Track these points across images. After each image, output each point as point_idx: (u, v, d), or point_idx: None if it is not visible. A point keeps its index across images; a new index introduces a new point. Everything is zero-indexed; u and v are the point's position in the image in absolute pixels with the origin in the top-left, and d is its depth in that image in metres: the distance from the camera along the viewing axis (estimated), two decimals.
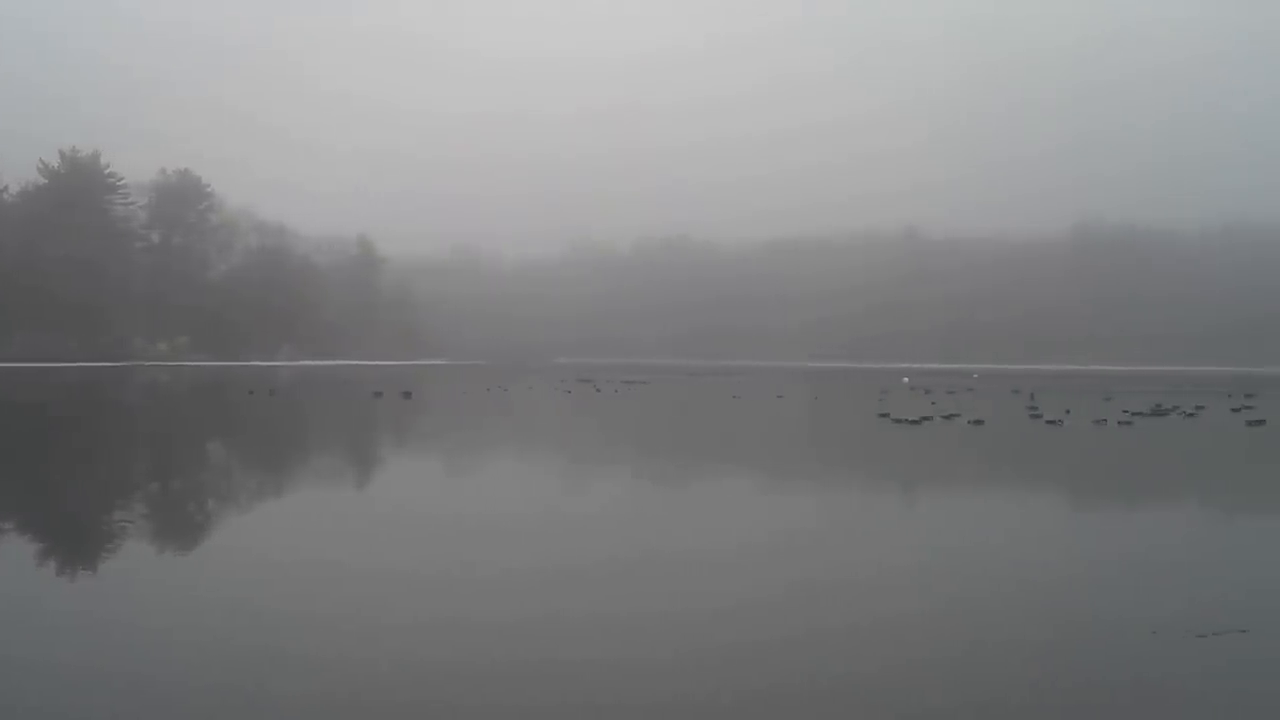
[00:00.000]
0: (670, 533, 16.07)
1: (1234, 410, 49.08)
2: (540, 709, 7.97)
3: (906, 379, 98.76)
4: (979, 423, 39.18)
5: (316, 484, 22.90)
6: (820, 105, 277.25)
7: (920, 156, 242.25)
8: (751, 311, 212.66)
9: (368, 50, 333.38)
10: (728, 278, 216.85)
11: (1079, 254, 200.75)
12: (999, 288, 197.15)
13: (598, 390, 69.92)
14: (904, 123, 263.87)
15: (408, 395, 56.58)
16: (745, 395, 64.11)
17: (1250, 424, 40.36)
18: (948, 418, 41.33)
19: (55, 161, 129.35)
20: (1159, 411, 47.11)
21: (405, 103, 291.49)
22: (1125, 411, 45.97)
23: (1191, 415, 45.45)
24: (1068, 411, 45.63)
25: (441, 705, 8.09)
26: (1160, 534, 16.99)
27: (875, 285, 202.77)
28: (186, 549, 14.85)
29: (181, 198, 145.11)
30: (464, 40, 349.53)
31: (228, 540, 15.54)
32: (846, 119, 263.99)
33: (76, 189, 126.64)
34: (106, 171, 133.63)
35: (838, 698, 8.27)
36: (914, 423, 38.80)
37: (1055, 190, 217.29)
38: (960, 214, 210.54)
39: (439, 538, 15.34)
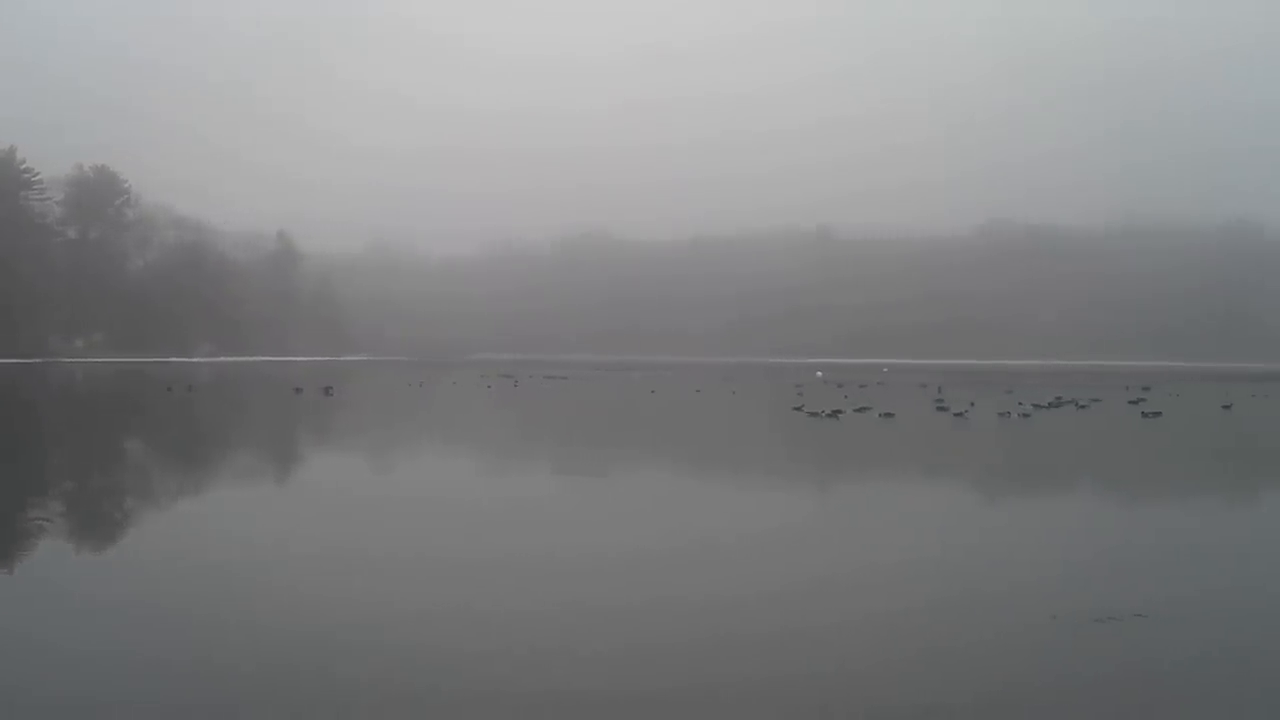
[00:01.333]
0: (584, 525, 16.45)
1: (1130, 403, 51.16)
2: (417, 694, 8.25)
3: (820, 373, 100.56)
4: (889, 415, 40.35)
5: (234, 481, 22.83)
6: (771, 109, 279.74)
7: (841, 151, 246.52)
8: (671, 309, 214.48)
9: (279, 41, 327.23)
10: (648, 275, 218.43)
11: (985, 252, 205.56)
12: (908, 285, 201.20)
13: (515, 385, 70.29)
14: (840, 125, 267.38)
15: (328, 391, 56.36)
16: (663, 390, 64.93)
17: (1145, 416, 42.13)
18: (859, 411, 42.42)
19: None
20: (1058, 404, 49.04)
21: (324, 91, 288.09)
22: (1020, 403, 47.87)
23: (1084, 408, 47.30)
24: (972, 404, 47.20)
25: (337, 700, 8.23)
26: (1059, 522, 17.64)
27: (791, 282, 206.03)
28: (89, 549, 14.60)
29: (98, 194, 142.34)
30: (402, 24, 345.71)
31: (136, 540, 15.27)
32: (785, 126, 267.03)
33: None
34: (22, 167, 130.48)
35: (737, 697, 8.33)
36: (826, 416, 39.82)
37: (962, 189, 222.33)
38: (871, 213, 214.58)
39: (357, 532, 15.51)
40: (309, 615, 10.35)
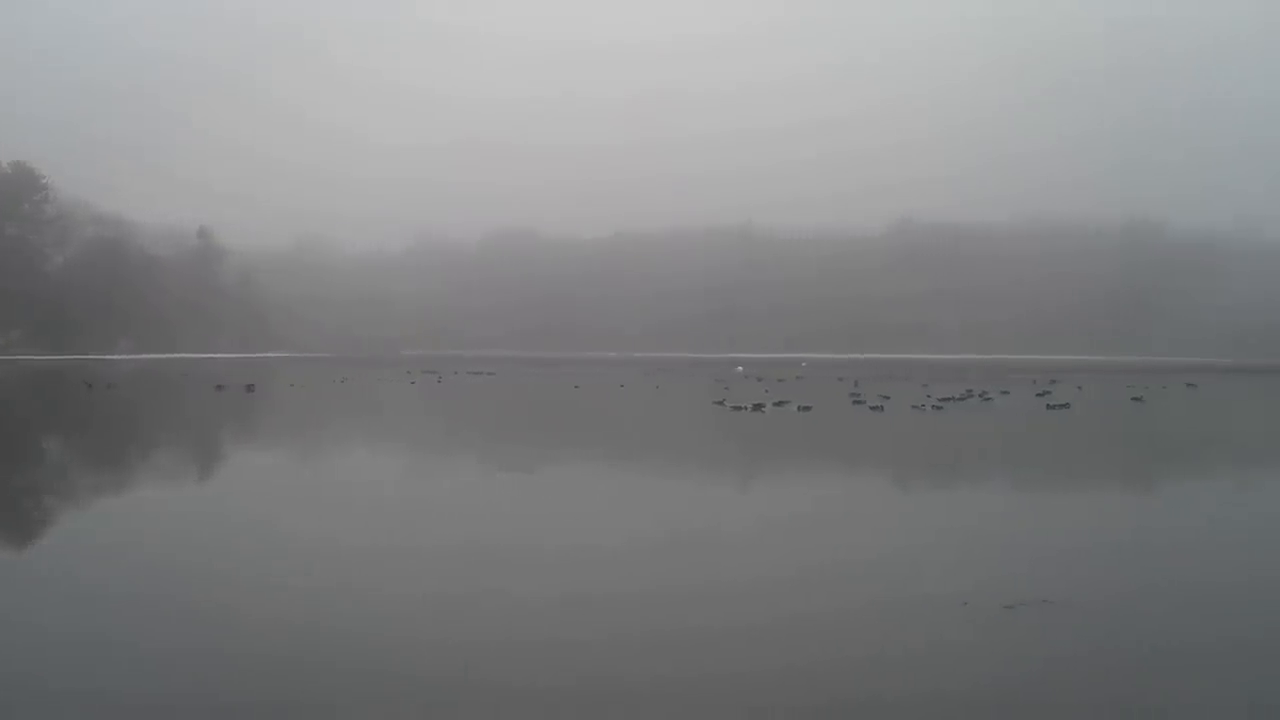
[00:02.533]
0: (502, 516, 16.81)
1: (1037, 395, 53.05)
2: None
3: (741, 368, 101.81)
4: (807, 409, 41.26)
5: (153, 480, 22.71)
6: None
7: (765, 152, 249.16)
8: (597, 305, 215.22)
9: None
10: (574, 272, 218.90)
11: (899, 249, 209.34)
12: (826, 282, 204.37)
13: (439, 381, 70.38)
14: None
15: (250, 389, 56.04)
16: (587, 385, 65.53)
17: (1050, 408, 43.77)
18: (778, 404, 43.37)
19: None
20: (968, 397, 50.73)
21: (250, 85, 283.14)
22: (929, 396, 49.53)
23: (989, 400, 49.03)
24: (887, 397, 48.61)
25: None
26: (970, 511, 18.36)
27: (713, 280, 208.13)
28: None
29: (15, 190, 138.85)
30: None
31: (50, 541, 15.27)
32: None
33: None
34: None
35: (652, 695, 8.66)
36: (746, 409, 40.72)
37: (877, 189, 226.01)
38: (793, 210, 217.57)
39: (286, 528, 15.77)
40: (209, 617, 10.41)
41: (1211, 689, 8.48)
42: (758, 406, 41.92)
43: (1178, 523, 17.11)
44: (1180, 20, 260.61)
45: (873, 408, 42.55)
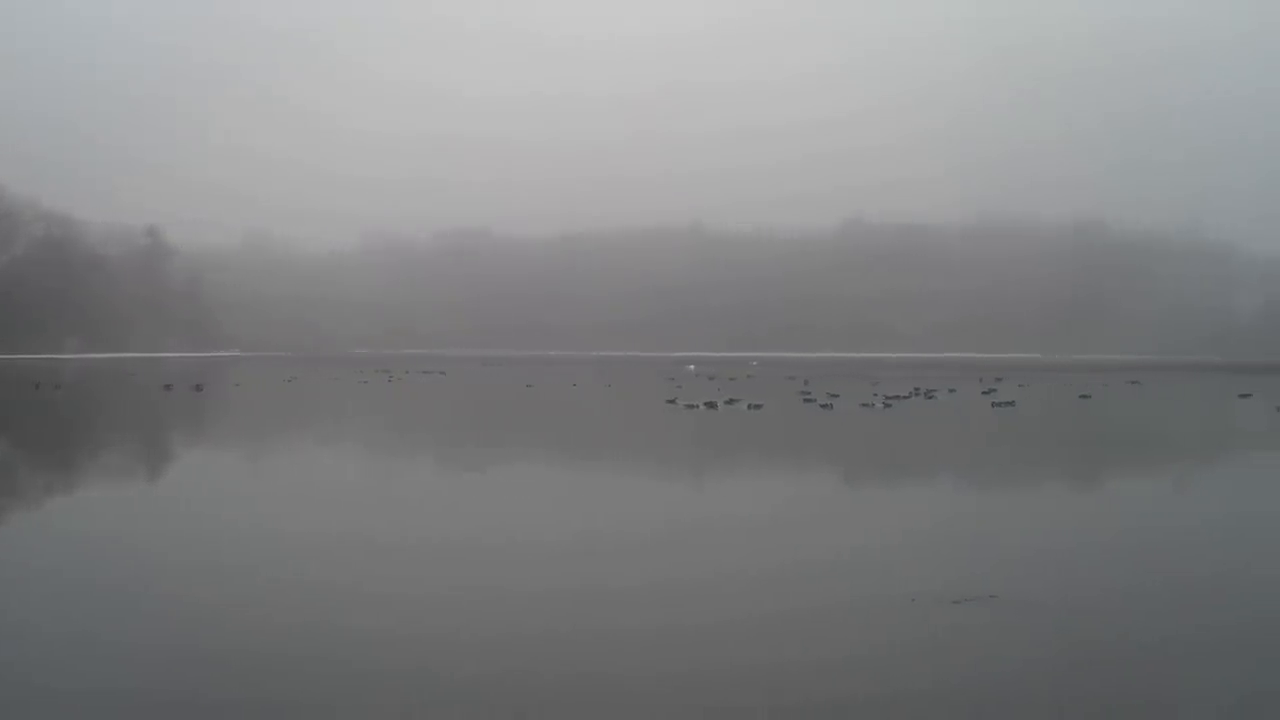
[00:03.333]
0: (445, 517, 16.85)
1: (983, 393, 53.85)
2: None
3: (692, 366, 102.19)
4: (758, 407, 41.61)
5: (103, 480, 22.53)
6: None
7: (710, 152, 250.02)
8: (549, 303, 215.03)
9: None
10: (526, 271, 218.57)
11: (849, 248, 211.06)
12: (776, 281, 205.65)
13: (390, 381, 70.04)
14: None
15: (199, 388, 55.57)
16: (539, 384, 65.50)
17: (995, 405, 44.43)
18: (729, 402, 43.63)
19: None
20: (916, 395, 51.37)
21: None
22: (875, 394, 50.14)
23: (936, 398, 49.69)
24: (836, 395, 49.08)
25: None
26: (917, 507, 18.60)
27: (664, 279, 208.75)
28: None
29: None
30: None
31: None
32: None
33: None
34: None
35: (592, 682, 8.90)
36: (698, 408, 40.99)
37: (826, 189, 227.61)
38: (745, 210, 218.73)
39: (222, 531, 15.78)
40: (154, 616, 10.42)
41: (1154, 683, 8.67)
42: (709, 405, 42.15)
43: (1120, 518, 17.37)
44: (1132, 25, 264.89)
45: (822, 406, 42.91)
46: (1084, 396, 52.57)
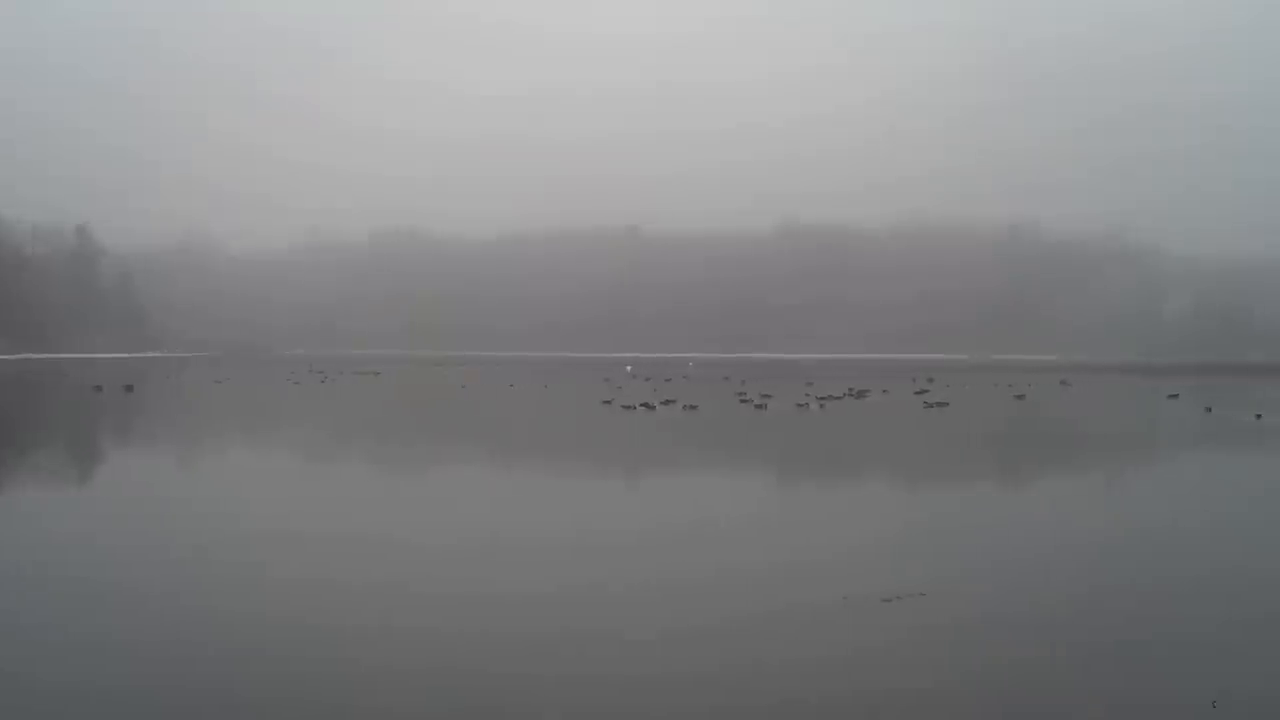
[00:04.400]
0: (371, 516, 16.80)
1: (916, 393, 54.57)
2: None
3: (629, 367, 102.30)
4: (693, 408, 41.78)
5: (30, 481, 22.10)
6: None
7: (648, 155, 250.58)
8: (486, 304, 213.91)
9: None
10: (464, 271, 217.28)
11: (785, 251, 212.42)
12: (712, 282, 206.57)
13: (322, 382, 69.19)
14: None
15: (130, 389, 54.65)
16: (476, 384, 65.14)
17: (928, 406, 44.97)
18: (666, 403, 43.75)
19: None
20: (850, 395, 51.90)
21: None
22: (807, 395, 50.54)
23: (869, 398, 50.23)
24: (769, 396, 49.41)
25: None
26: (852, 507, 18.86)
27: (601, 280, 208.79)
28: None
29: None
30: None
31: None
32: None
33: None
34: None
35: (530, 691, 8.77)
36: (634, 409, 41.04)
37: (762, 193, 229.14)
38: (681, 213, 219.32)
39: (153, 531, 15.53)
40: (69, 616, 10.40)
41: (1078, 675, 8.82)
42: (646, 406, 42.24)
43: (1049, 517, 17.67)
44: (1065, 39, 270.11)
45: (757, 406, 43.17)
46: (1019, 397, 53.45)
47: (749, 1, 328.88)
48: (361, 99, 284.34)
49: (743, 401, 46.40)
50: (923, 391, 56.21)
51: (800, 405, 43.89)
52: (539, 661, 9.05)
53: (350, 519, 16.31)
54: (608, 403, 44.73)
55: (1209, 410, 43.07)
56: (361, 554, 13.45)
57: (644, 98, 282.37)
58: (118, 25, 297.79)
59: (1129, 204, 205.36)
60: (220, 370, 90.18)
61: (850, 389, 57.07)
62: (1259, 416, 39.35)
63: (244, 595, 11.30)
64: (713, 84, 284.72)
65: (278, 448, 29.27)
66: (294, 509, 17.50)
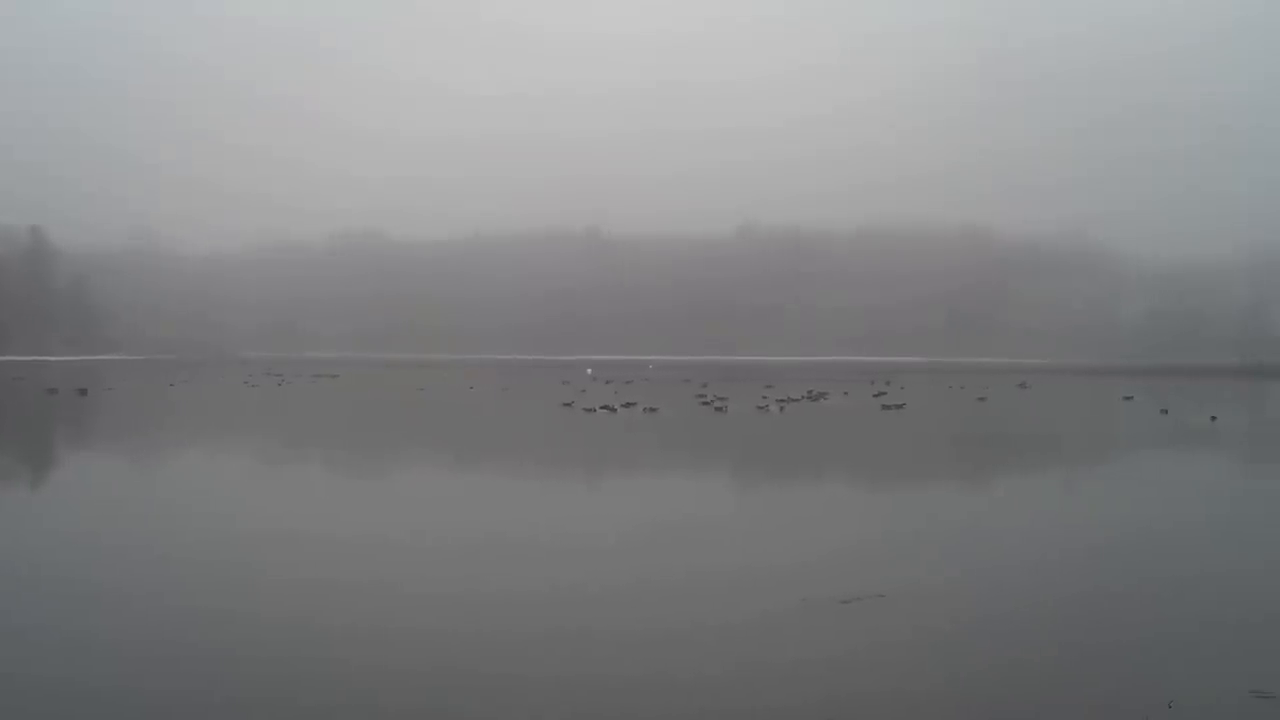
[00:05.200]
0: (339, 519, 16.74)
1: (875, 395, 54.88)
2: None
3: (590, 370, 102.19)
4: (653, 410, 41.80)
5: None
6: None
7: (607, 156, 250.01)
8: (445, 306, 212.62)
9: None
10: (424, 273, 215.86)
11: (741, 253, 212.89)
12: (672, 284, 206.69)
13: (280, 385, 68.56)
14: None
15: (83, 392, 53.94)
16: (437, 387, 64.82)
17: (885, 408, 45.21)
18: (626, 406, 43.77)
19: None
20: (810, 397, 52.08)
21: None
22: (764, 398, 50.66)
23: (828, 400, 50.42)
24: (724, 398, 49.49)
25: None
26: (810, 508, 18.89)
27: (561, 282, 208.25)
28: None
29: None
30: None
31: None
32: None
33: None
34: None
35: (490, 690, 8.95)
36: (594, 411, 40.98)
37: (721, 195, 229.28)
38: (641, 214, 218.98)
39: (111, 535, 15.45)
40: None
41: (1037, 674, 8.92)
42: (607, 408, 42.18)
43: (1005, 517, 17.77)
44: (1018, 42, 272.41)
45: (717, 409, 43.22)
46: (980, 399, 53.86)
47: (717, 5, 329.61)
48: (322, 98, 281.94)
49: (703, 404, 46.43)
50: (881, 394, 56.50)
51: (760, 407, 44.02)
52: (503, 662, 9.01)
53: (305, 522, 16.16)
54: (568, 405, 44.65)
55: (1164, 412, 43.54)
56: (318, 557, 13.35)
57: (605, 99, 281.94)
58: (63, 10, 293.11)
59: (1087, 207, 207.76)
60: (176, 373, 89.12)
61: (810, 391, 57.31)
62: (1214, 418, 39.83)
63: (191, 596, 11.12)
64: (668, 89, 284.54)
65: (234, 450, 28.87)
66: (250, 512, 17.32)
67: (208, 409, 46.70)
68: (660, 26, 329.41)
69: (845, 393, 57.65)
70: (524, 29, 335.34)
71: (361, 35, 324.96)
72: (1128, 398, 55.99)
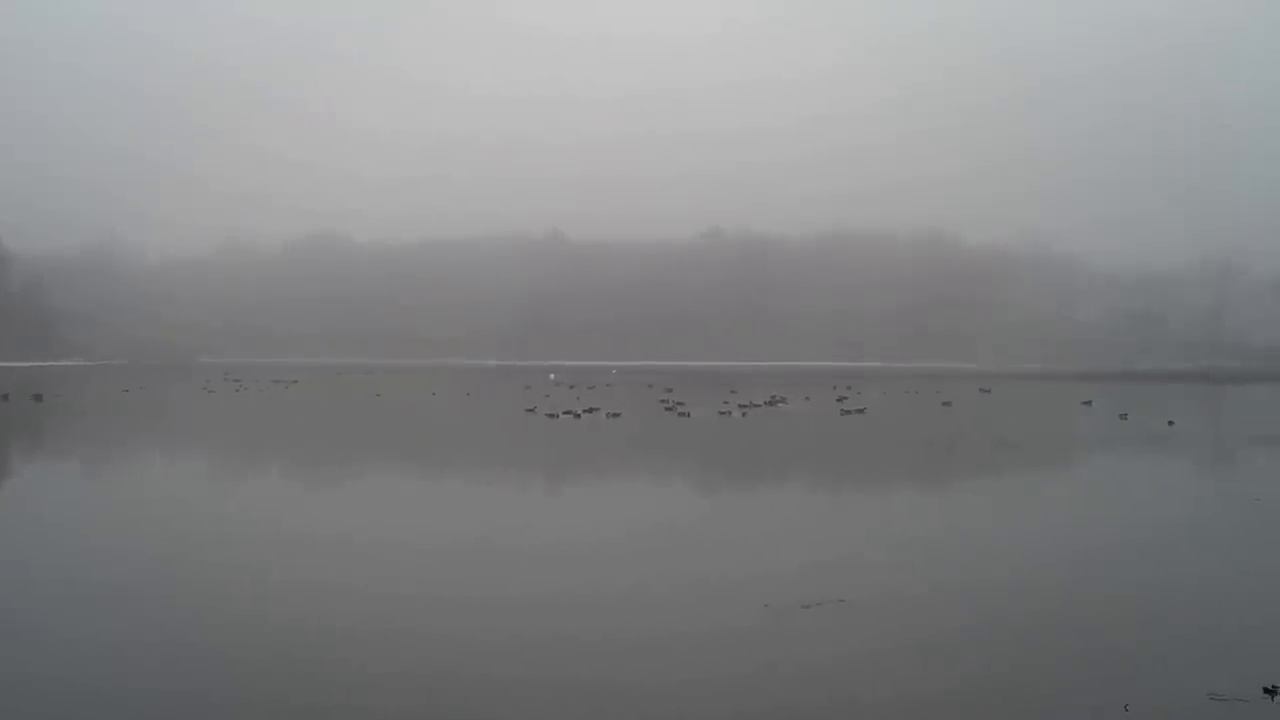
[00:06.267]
0: (296, 526, 16.59)
1: (837, 400, 54.99)
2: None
3: (553, 375, 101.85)
4: (616, 415, 41.69)
5: None
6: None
7: (570, 160, 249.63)
8: (408, 311, 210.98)
9: None
10: (384, 276, 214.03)
11: (705, 258, 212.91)
12: (636, 288, 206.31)
13: (238, 391, 67.74)
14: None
15: (38, 398, 53.14)
16: (399, 393, 64.29)
17: (845, 413, 45.27)
18: (589, 411, 43.61)
19: None
20: (773, 402, 52.11)
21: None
22: (726, 403, 50.69)
23: (789, 405, 50.45)
24: (683, 403, 49.44)
25: None
26: (770, 513, 18.89)
27: (524, 285, 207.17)
28: None
29: None
30: None
31: None
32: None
33: None
34: None
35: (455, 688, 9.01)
36: (557, 417, 40.78)
37: (685, 200, 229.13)
38: (604, 218, 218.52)
39: (63, 541, 15.18)
40: None
41: (990, 680, 8.91)
42: (570, 414, 42.01)
43: (964, 522, 17.74)
44: (980, 47, 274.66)
45: (681, 414, 43.11)
46: (946, 404, 54.13)
47: (685, 11, 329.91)
48: (284, 91, 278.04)
49: (666, 409, 46.32)
50: (842, 399, 56.66)
51: (723, 413, 44.00)
52: (463, 667, 8.95)
53: (261, 530, 15.97)
54: (531, 410, 44.42)
55: (1124, 417, 43.87)
56: (264, 560, 13.22)
57: (569, 103, 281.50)
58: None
59: (1049, 215, 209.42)
60: (131, 378, 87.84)
61: (773, 396, 57.36)
62: (1171, 424, 40.16)
63: (139, 598, 10.87)
64: (631, 95, 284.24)
65: (188, 457, 28.48)
66: (199, 518, 17.02)
67: (160, 416, 46.03)
68: (627, 33, 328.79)
69: (807, 398, 57.71)
70: (493, 28, 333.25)
71: (322, 25, 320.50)
72: (1086, 403, 56.41)
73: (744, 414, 43.47)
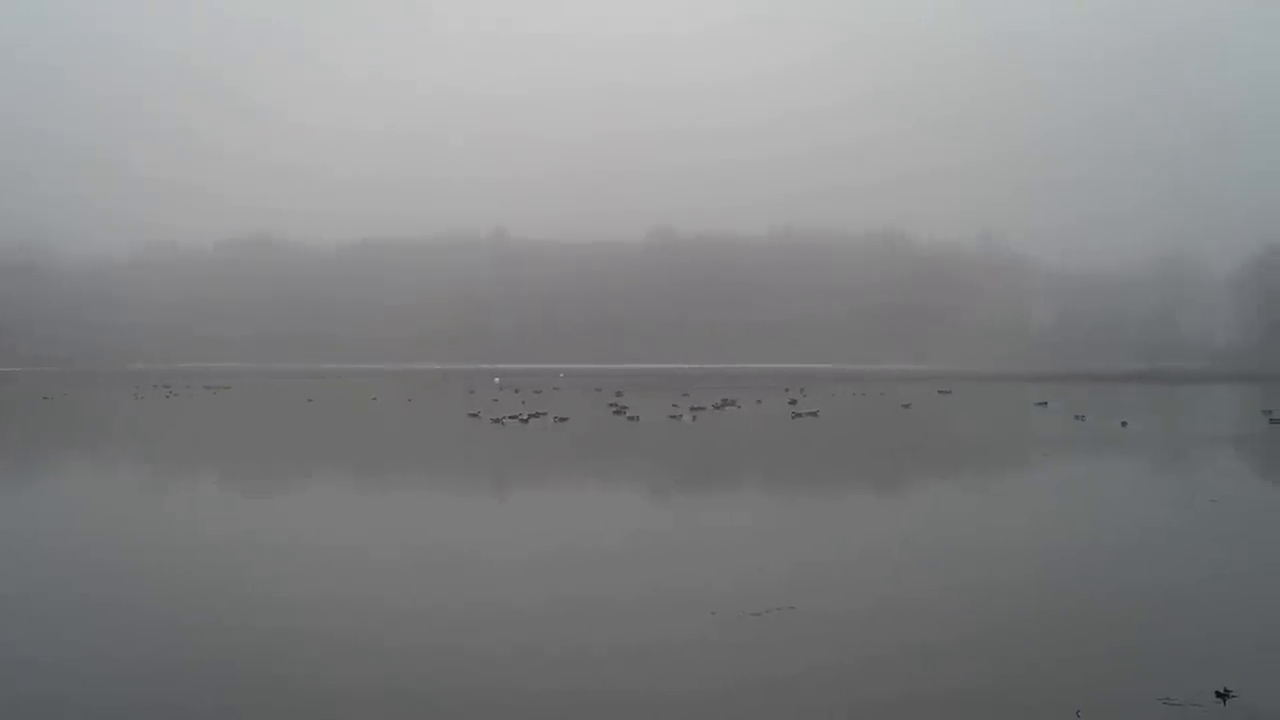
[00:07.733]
0: (231, 538, 15.32)
1: (789, 404, 53.88)
2: None
3: (497, 379, 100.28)
4: (563, 419, 40.34)
5: None
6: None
7: (514, 159, 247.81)
8: (345, 314, 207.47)
9: None
10: (320, 278, 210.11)
11: (655, 259, 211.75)
12: (581, 289, 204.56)
13: (168, 397, 65.32)
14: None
15: None
16: (339, 398, 62.52)
17: (796, 416, 44.23)
18: (535, 415, 42.32)
19: None
20: (724, 405, 50.83)
21: None
22: (676, 406, 49.62)
23: (740, 408, 49.27)
24: (631, 408, 47.99)
25: None
26: (716, 518, 18.05)
27: (466, 286, 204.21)
28: None
29: None
30: None
31: None
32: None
33: None
34: None
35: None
36: (502, 422, 39.43)
37: (633, 201, 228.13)
38: (549, 219, 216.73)
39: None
40: None
41: (943, 685, 8.71)
42: (516, 419, 40.70)
43: (915, 527, 17.05)
44: (930, 34, 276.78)
45: (629, 418, 41.79)
46: (905, 406, 53.44)
47: (641, 10, 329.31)
48: (222, 80, 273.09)
49: (615, 413, 44.94)
50: (794, 402, 55.64)
51: (673, 416, 42.90)
52: (399, 679, 8.56)
53: (189, 542, 14.75)
54: (475, 416, 42.98)
55: (1079, 418, 43.24)
56: (189, 566, 12.34)
57: (510, 100, 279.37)
58: None
59: (1003, 214, 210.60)
60: (59, 385, 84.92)
61: (724, 399, 56.30)
62: (1124, 424, 39.75)
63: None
64: (577, 95, 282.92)
65: (115, 467, 26.66)
66: (114, 530, 16.05)
67: (73, 424, 43.63)
68: (580, 30, 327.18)
69: (759, 401, 56.58)
70: (426, 22, 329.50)
71: (260, 20, 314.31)
72: (1041, 404, 55.90)
73: (694, 417, 42.15)
